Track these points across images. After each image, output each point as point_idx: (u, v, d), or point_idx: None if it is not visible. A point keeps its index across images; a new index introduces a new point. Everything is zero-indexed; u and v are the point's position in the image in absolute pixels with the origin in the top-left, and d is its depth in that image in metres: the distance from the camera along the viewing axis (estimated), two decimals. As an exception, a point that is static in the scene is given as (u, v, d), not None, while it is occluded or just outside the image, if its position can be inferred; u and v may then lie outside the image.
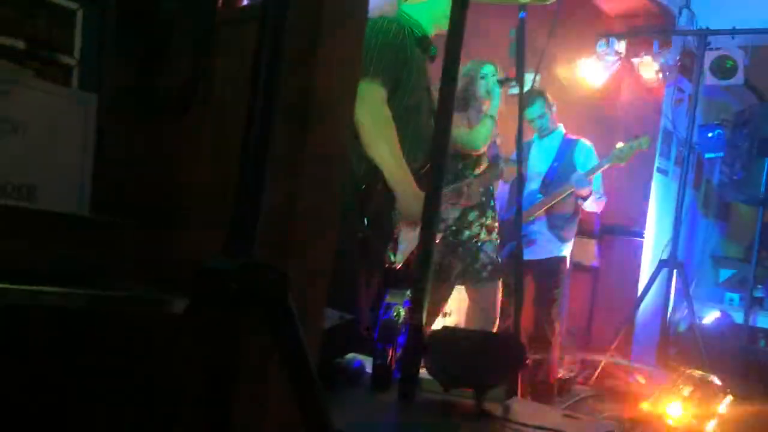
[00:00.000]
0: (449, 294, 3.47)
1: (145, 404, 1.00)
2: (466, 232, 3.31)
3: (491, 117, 3.30)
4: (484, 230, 3.33)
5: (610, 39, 4.87)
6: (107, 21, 1.33)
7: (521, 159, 2.46)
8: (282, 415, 0.97)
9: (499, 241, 3.42)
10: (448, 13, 2.34)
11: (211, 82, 1.16)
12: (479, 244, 3.32)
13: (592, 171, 3.86)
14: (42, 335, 0.97)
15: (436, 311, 3.42)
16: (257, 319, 0.82)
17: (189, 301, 0.83)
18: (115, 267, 1.05)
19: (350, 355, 1.75)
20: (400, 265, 2.35)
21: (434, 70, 2.01)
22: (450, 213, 3.30)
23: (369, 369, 1.72)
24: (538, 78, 3.49)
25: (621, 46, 4.88)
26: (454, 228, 3.30)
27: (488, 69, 3.38)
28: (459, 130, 3.33)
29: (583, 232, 4.57)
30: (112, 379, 0.99)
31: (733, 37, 4.59)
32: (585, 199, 3.88)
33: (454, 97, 1.60)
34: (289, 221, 1.02)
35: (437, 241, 3.26)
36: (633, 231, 5.09)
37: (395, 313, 1.77)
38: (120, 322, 1.00)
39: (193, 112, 1.17)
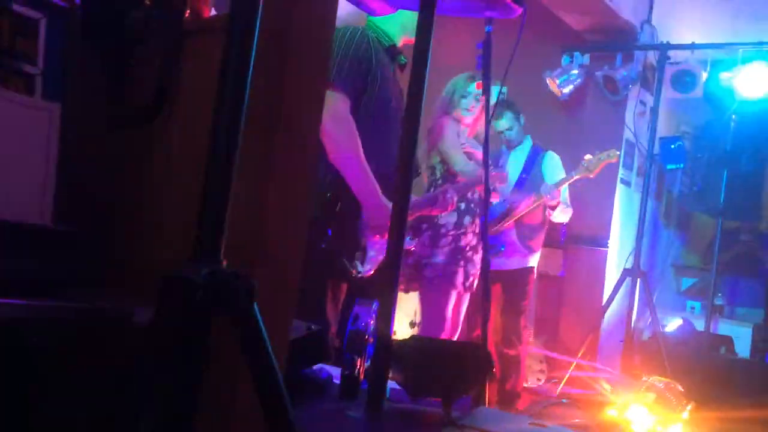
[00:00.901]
0: (465, 301, 3.43)
1: (110, 417, 0.98)
2: (463, 240, 3.32)
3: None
4: (476, 238, 3.34)
5: (575, 53, 4.97)
6: (72, 31, 1.32)
7: (488, 171, 2.49)
8: (249, 425, 0.96)
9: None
10: (415, 24, 2.37)
11: (179, 91, 1.16)
12: (470, 253, 3.34)
13: (561, 182, 3.92)
14: (2, 348, 0.95)
15: (458, 321, 3.39)
16: (224, 329, 0.82)
17: (155, 311, 0.82)
18: (79, 278, 1.03)
19: (318, 366, 1.74)
20: (369, 273, 2.36)
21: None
22: (449, 218, 3.28)
23: (337, 379, 1.72)
24: (505, 90, 3.53)
25: (585, 59, 4.99)
26: (453, 234, 3.31)
27: (473, 89, 3.29)
28: (458, 156, 3.33)
29: (549, 243, 4.63)
30: (76, 392, 0.97)
31: (692, 52, 4.73)
32: (553, 209, 3.94)
33: (421, 106, 1.61)
34: (257, 230, 1.02)
35: (444, 248, 3.27)
36: (597, 241, 5.17)
37: (363, 324, 1.77)
38: (84, 334, 0.98)
39: (159, 121, 1.17)
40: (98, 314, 0.98)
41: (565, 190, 4.01)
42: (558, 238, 5.05)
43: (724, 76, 4.65)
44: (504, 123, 4.03)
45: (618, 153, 3.97)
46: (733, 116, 4.83)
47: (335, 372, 1.74)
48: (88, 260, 1.06)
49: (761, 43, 4.46)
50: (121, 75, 1.21)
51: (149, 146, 1.21)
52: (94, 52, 1.26)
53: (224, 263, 0.83)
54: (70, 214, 1.13)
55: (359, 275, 2.32)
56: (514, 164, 4.11)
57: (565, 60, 5.00)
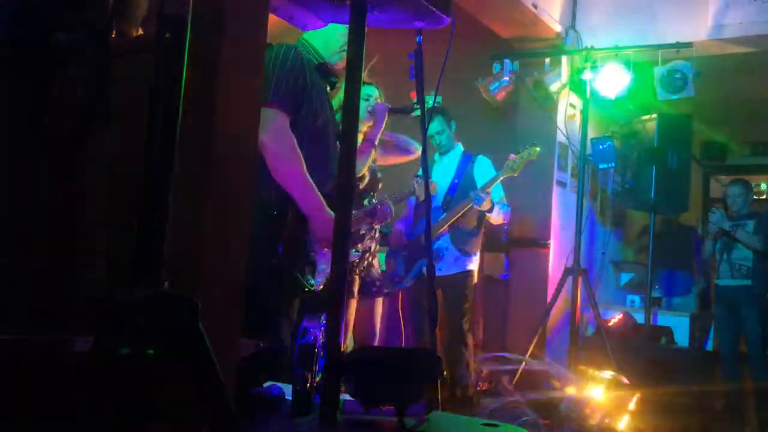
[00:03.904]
0: (353, 309, 3.48)
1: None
2: (360, 246, 3.35)
3: (371, 142, 3.21)
4: (374, 243, 3.39)
5: (505, 60, 5.09)
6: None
7: (428, 179, 2.52)
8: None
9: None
10: (339, 40, 2.40)
11: (109, 112, 1.14)
12: (371, 258, 3.39)
13: (488, 184, 4.00)
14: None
15: (346, 329, 3.45)
16: (169, 351, 0.81)
17: (95, 339, 0.80)
18: (15, 311, 1.00)
19: (269, 383, 1.72)
20: (321, 287, 2.35)
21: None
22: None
23: (289, 396, 1.70)
24: (439, 100, 3.58)
25: (515, 66, 5.12)
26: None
27: (371, 91, 3.29)
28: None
29: (491, 247, 4.71)
30: (19, 428, 0.93)
31: (615, 55, 4.91)
32: (489, 212, 4.01)
33: (357, 118, 1.63)
34: (197, 249, 1.01)
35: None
36: (538, 242, 5.29)
37: (312, 338, 1.76)
38: (24, 367, 0.95)
39: (90, 143, 1.14)
40: (37, 346, 0.94)
41: (498, 191, 4.08)
42: (500, 242, 5.15)
43: (646, 76, 4.85)
44: (434, 126, 4.08)
45: (538, 150, 4.08)
46: (657, 114, 5.04)
47: (288, 388, 1.72)
48: (25, 292, 1.03)
49: (679, 44, 4.68)
50: (45, 98, 1.18)
51: (80, 170, 1.18)
52: (21, 74, 1.22)
53: (165, 284, 0.81)
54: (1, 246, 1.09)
55: (311, 289, 2.32)
56: (446, 170, 4.17)
57: (495, 67, 5.12)
